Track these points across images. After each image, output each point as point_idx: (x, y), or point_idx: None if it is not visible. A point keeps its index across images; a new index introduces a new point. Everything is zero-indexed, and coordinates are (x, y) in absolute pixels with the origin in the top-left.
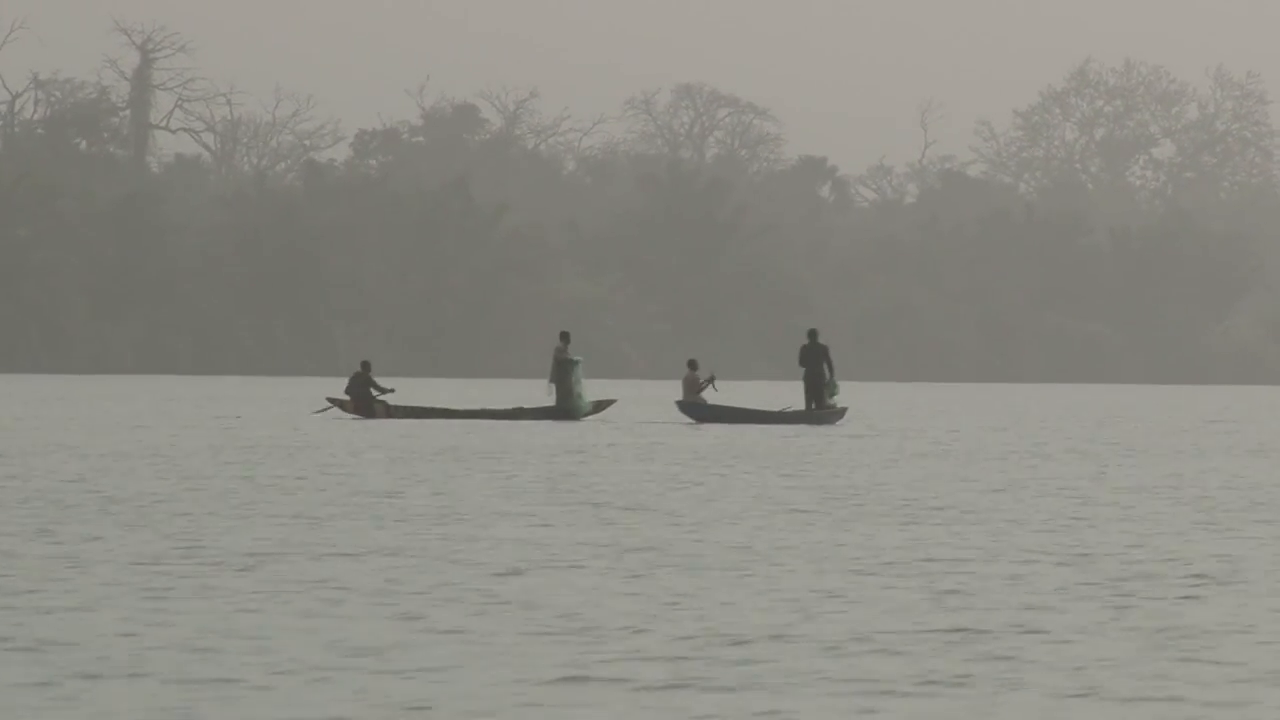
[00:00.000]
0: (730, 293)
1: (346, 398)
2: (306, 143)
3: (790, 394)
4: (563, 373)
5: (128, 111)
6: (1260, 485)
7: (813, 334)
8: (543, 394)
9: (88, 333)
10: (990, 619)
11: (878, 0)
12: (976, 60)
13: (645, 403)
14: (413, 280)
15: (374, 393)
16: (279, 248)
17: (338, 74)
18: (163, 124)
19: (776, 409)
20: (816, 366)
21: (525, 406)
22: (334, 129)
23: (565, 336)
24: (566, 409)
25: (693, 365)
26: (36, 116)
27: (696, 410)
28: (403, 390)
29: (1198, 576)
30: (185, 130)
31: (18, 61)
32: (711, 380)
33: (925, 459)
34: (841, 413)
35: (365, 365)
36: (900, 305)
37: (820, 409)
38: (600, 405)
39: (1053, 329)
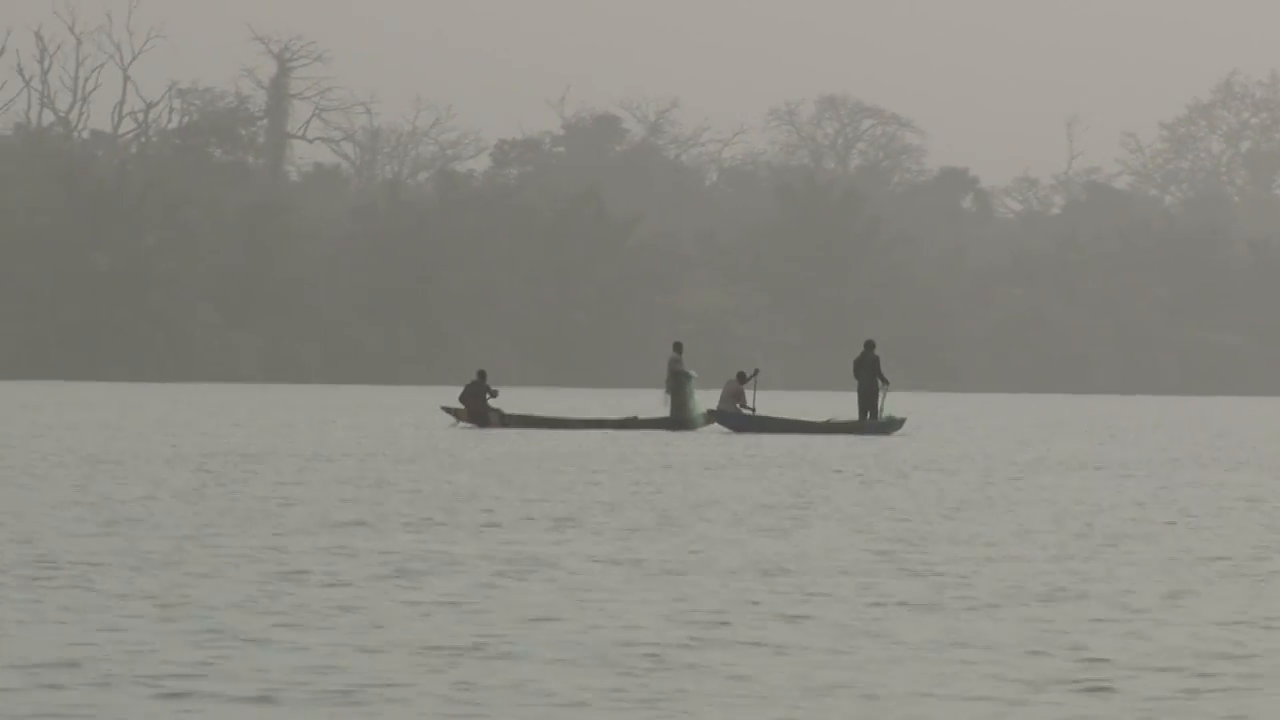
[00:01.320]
0: (864, 303)
1: (461, 406)
2: (449, 152)
3: (912, 403)
4: (678, 383)
5: (265, 121)
6: None
7: (869, 344)
8: (657, 404)
9: (214, 341)
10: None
11: (1023, 12)
12: (1122, 72)
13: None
14: (542, 290)
15: (488, 399)
16: (408, 257)
17: (478, 84)
18: (300, 134)
19: (823, 419)
20: (870, 378)
21: (639, 417)
22: (476, 139)
23: (679, 347)
24: (681, 420)
25: (741, 377)
26: (171, 125)
27: (732, 420)
28: (523, 400)
29: None
30: (322, 140)
31: (154, 70)
32: (753, 378)
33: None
34: (899, 424)
35: (481, 374)
36: (1036, 317)
37: (874, 420)
38: (710, 418)
39: (1189, 341)
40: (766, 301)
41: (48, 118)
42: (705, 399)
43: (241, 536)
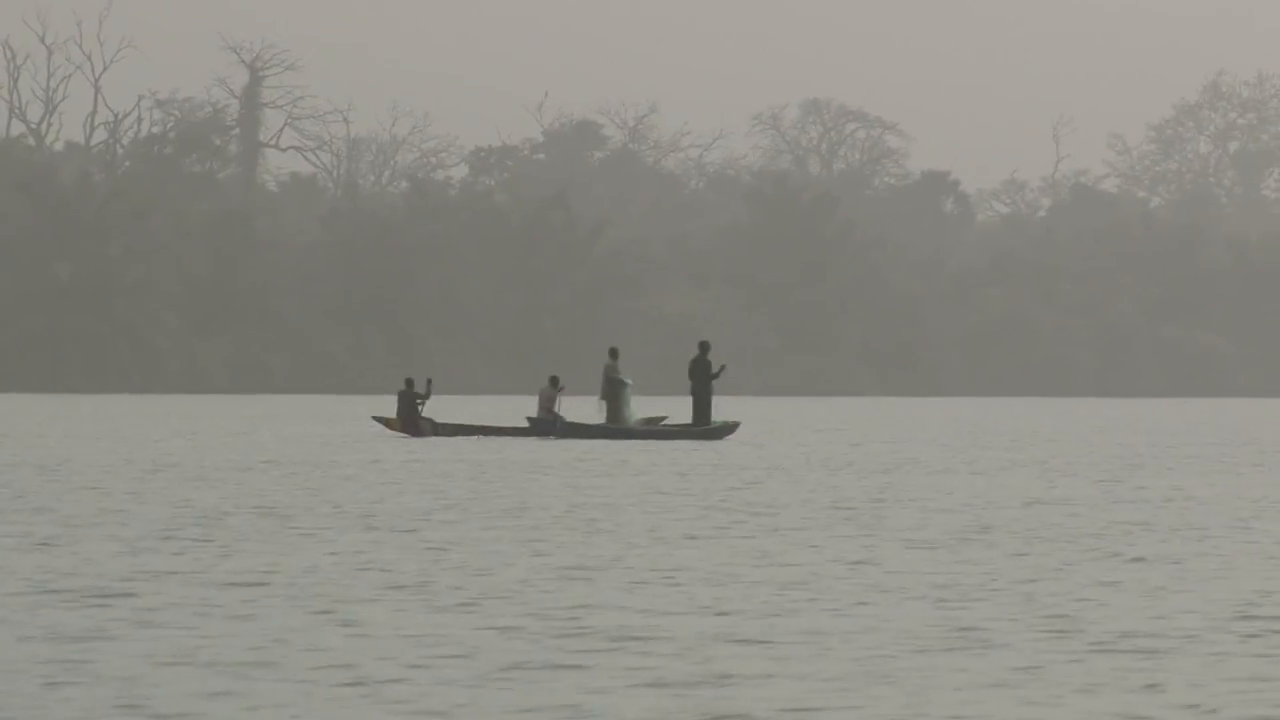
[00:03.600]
0: (839, 307)
1: (393, 417)
2: (432, 160)
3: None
4: (614, 390)
5: (237, 130)
6: None
7: (704, 346)
8: (593, 411)
9: (179, 351)
10: None
11: (1009, 15)
12: (1108, 74)
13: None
14: (511, 296)
15: (417, 403)
16: (377, 264)
17: (456, 92)
18: (272, 142)
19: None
20: (704, 381)
21: (634, 426)
22: (459, 147)
23: (615, 353)
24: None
25: (554, 382)
26: (142, 135)
27: (552, 427)
28: (486, 408)
29: None
30: (295, 149)
31: (125, 81)
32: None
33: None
34: (732, 428)
35: (409, 382)
36: (1014, 319)
37: (702, 425)
38: (650, 423)
39: (1169, 342)
40: (740, 306)
41: (17, 128)
42: (640, 406)
43: None
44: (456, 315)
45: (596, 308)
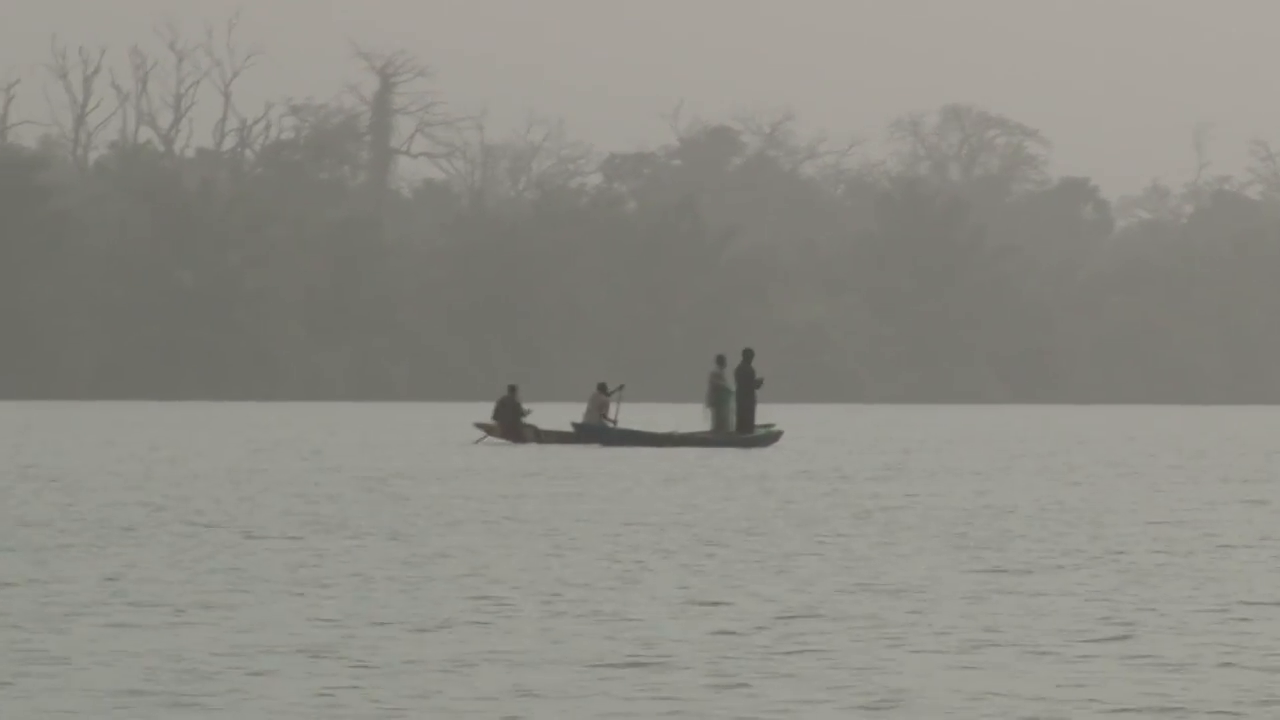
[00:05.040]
0: (968, 314)
1: (494, 423)
2: (569, 167)
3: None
4: (720, 398)
5: (368, 137)
6: None
7: (747, 354)
8: (698, 419)
9: (300, 359)
10: None
11: (1150, 21)
12: (1251, 79)
13: (804, 428)
14: (635, 304)
15: (522, 411)
16: (501, 272)
17: (590, 98)
18: (404, 149)
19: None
20: (748, 390)
21: (677, 432)
22: (594, 154)
23: (722, 361)
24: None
25: (602, 388)
26: (269, 142)
27: (600, 433)
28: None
29: None
30: (426, 155)
31: (255, 87)
32: (619, 390)
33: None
34: (777, 436)
35: (512, 389)
36: (1145, 327)
37: (744, 433)
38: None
39: None
40: (868, 313)
41: (145, 135)
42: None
43: None
44: (579, 323)
45: (722, 315)
